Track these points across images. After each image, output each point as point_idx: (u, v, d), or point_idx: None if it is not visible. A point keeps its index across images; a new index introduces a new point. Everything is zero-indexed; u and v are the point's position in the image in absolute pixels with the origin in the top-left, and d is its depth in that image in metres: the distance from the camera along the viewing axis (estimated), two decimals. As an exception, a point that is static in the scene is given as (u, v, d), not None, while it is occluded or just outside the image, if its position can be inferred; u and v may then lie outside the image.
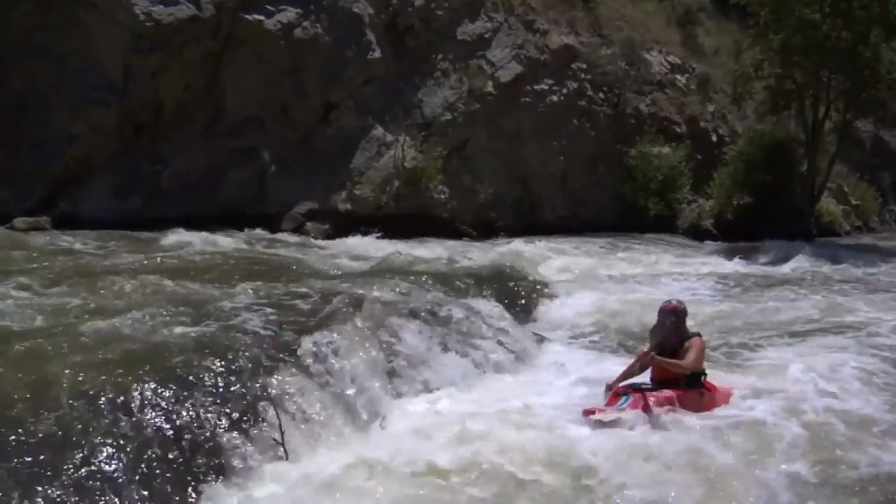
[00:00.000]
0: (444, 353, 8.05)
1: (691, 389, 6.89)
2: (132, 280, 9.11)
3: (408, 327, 8.13)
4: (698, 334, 7.22)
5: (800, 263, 17.67)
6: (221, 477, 5.17)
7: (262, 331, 7.02)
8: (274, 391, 6.09)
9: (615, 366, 7.92)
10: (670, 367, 6.89)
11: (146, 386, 5.56)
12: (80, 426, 5.02)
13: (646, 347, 7.27)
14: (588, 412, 6.55)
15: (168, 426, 5.32)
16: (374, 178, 19.28)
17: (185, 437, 5.32)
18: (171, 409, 5.46)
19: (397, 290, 9.76)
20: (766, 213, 21.75)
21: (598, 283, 13.68)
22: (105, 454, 4.88)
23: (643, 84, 24.74)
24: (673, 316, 7.19)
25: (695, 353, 6.98)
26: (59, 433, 4.91)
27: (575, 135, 22.97)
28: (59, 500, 4.46)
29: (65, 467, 4.68)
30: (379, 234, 17.89)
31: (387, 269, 12.52)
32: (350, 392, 6.72)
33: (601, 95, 23.80)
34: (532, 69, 22.32)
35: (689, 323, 7.46)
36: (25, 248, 12.11)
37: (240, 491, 5.09)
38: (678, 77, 26.00)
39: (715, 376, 7.45)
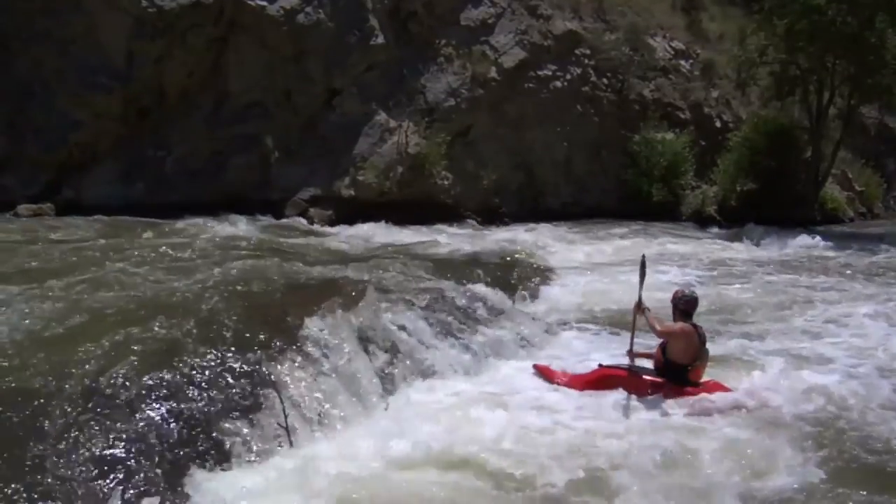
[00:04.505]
0: (446, 338, 8.07)
1: (660, 379, 6.99)
2: (133, 266, 9.12)
3: (410, 313, 8.16)
4: (692, 325, 7.11)
5: (803, 250, 17.65)
6: (226, 462, 5.22)
7: (265, 317, 7.03)
8: (277, 377, 6.13)
9: (618, 349, 8.01)
10: (650, 323, 7.06)
11: (148, 372, 5.60)
12: (82, 411, 5.06)
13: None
14: (538, 368, 7.60)
15: (172, 412, 5.35)
16: (378, 164, 19.26)
17: (190, 422, 5.35)
18: (174, 395, 5.49)
19: (400, 276, 9.80)
20: (770, 199, 21.72)
21: (600, 269, 13.71)
22: (108, 440, 4.92)
23: (647, 70, 24.69)
24: (671, 301, 7.25)
25: (669, 328, 7.06)
26: (62, 419, 4.95)
27: (579, 121, 22.95)
28: (60, 485, 4.50)
29: (66, 452, 4.72)
30: (382, 221, 17.88)
31: (390, 255, 12.54)
32: (353, 378, 6.75)
33: (605, 81, 23.75)
34: (536, 55, 22.27)
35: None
36: (29, 235, 12.13)
37: (244, 476, 5.12)
38: (682, 63, 25.92)
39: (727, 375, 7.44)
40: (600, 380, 7.15)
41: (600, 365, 7.34)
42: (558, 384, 7.31)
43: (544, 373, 7.56)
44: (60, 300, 7.24)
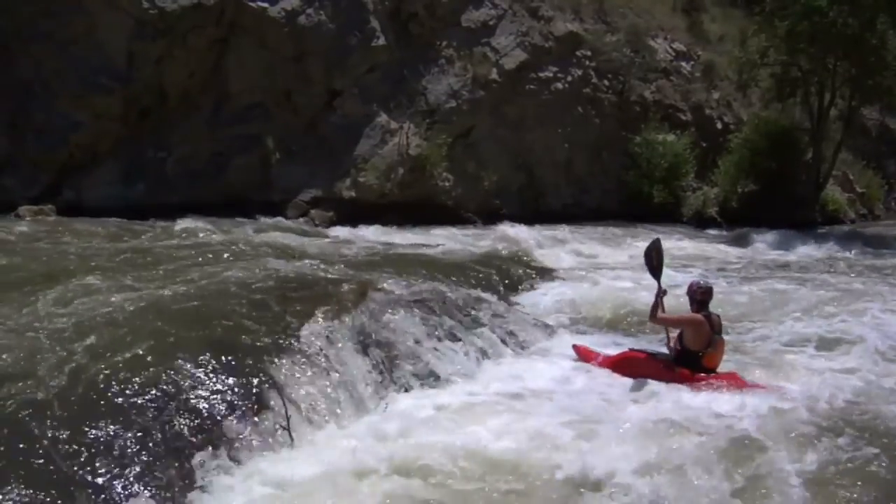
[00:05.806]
0: (446, 340, 8.05)
1: (672, 363, 7.33)
2: (134, 268, 9.13)
3: (410, 315, 8.14)
4: (706, 314, 7.31)
5: (804, 251, 17.66)
6: (228, 461, 5.23)
7: (266, 318, 7.03)
8: (279, 378, 6.13)
9: (617, 349, 8.11)
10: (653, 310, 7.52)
11: (149, 372, 5.62)
12: (85, 409, 5.09)
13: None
14: (577, 348, 8.19)
15: (174, 412, 5.36)
16: (379, 165, 19.27)
17: (192, 422, 5.36)
18: (176, 394, 5.50)
19: (400, 277, 9.79)
20: (771, 201, 21.75)
21: (600, 270, 13.70)
22: (110, 437, 4.93)
23: (648, 71, 24.72)
24: (687, 293, 7.56)
25: (663, 317, 7.52)
26: (63, 418, 4.97)
27: (579, 122, 22.97)
28: (61, 480, 4.54)
29: (67, 450, 4.75)
30: (383, 222, 17.88)
31: (390, 257, 12.54)
32: (353, 379, 6.75)
33: (606, 83, 23.78)
34: (537, 56, 22.29)
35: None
36: (30, 237, 12.14)
37: (246, 476, 5.14)
38: (683, 64, 25.96)
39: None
40: (622, 361, 7.60)
41: (630, 349, 7.86)
42: (594, 364, 7.81)
43: (583, 353, 8.10)
44: (63, 302, 7.25)
